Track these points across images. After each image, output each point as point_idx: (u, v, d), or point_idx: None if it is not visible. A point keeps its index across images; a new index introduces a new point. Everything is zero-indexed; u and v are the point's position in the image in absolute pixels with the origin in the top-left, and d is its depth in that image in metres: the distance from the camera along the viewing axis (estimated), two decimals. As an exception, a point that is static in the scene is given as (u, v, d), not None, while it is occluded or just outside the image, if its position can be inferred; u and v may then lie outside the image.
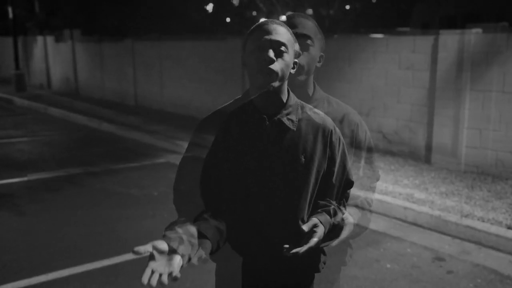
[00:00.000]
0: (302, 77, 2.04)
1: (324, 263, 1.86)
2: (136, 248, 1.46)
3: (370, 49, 8.30)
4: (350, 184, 1.88)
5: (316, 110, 1.85)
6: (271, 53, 1.67)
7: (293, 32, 1.81)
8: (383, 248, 4.88)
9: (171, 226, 1.62)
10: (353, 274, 4.30)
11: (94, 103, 14.97)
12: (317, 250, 1.79)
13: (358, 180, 2.02)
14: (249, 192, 1.73)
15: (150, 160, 8.44)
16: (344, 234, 1.83)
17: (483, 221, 5.21)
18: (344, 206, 1.86)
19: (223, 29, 17.92)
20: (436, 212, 5.43)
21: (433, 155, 7.55)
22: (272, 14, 14.87)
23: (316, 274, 1.86)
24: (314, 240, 1.62)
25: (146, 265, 1.47)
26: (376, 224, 5.49)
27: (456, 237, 5.12)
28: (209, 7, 17.52)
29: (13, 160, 8.44)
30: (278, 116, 1.74)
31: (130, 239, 4.96)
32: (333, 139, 1.80)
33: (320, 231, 1.66)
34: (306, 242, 1.62)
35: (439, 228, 5.30)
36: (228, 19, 19.12)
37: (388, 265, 4.50)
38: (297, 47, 1.78)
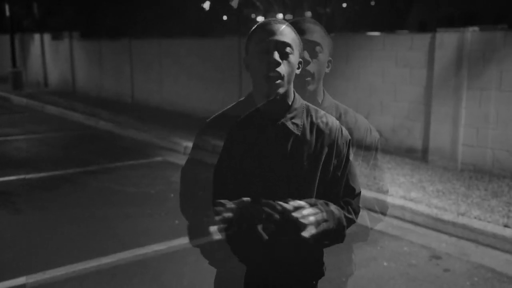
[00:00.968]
0: (312, 86, 2.00)
1: (325, 269, 1.84)
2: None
3: (368, 47, 8.30)
4: (353, 191, 1.81)
5: (322, 112, 1.79)
6: (276, 56, 1.61)
7: (301, 39, 1.76)
8: (380, 246, 4.88)
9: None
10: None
11: (91, 101, 14.95)
12: (315, 253, 1.77)
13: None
14: (253, 196, 1.66)
15: (147, 158, 8.43)
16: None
17: (480, 219, 5.21)
18: (350, 213, 1.78)
19: (221, 27, 17.90)
20: (433, 211, 5.44)
21: (430, 154, 7.56)
22: (269, 13, 14.88)
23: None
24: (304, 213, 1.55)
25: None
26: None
27: (453, 236, 5.13)
28: (206, 5, 17.50)
29: (10, 158, 8.42)
30: (282, 120, 1.69)
31: (127, 237, 4.96)
32: (339, 142, 1.74)
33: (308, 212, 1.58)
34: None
35: (436, 226, 5.30)
36: (225, 17, 19.10)
37: (385, 264, 4.51)
38: (306, 55, 1.74)
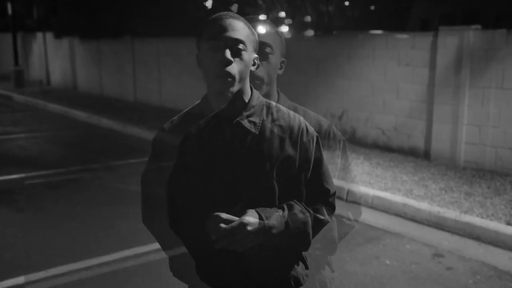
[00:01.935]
0: (263, 90, 1.86)
1: (307, 276, 1.70)
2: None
3: (370, 46, 8.29)
4: (326, 191, 1.68)
5: (285, 109, 1.67)
6: (227, 54, 1.52)
7: None
8: (382, 244, 4.88)
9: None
10: (353, 270, 4.31)
11: (93, 99, 14.96)
12: (292, 259, 1.66)
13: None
14: (214, 200, 1.57)
15: (150, 156, 8.41)
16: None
17: (482, 217, 5.21)
18: (323, 215, 1.65)
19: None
20: (436, 209, 5.43)
21: (432, 152, 7.55)
22: (271, 11, 14.86)
23: None
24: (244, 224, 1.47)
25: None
26: (375, 220, 5.49)
27: (455, 234, 5.12)
28: (208, 3, 17.49)
29: (13, 157, 8.43)
30: (238, 119, 1.58)
31: (129, 235, 4.96)
32: (304, 140, 1.62)
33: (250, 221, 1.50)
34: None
35: (439, 224, 5.30)
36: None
37: (388, 262, 4.50)
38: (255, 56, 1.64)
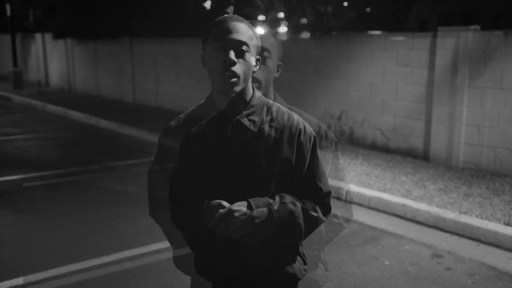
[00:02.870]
0: (260, 92, 1.90)
1: (305, 270, 1.76)
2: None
3: (368, 47, 8.29)
4: (319, 190, 1.73)
5: (284, 109, 1.74)
6: (232, 55, 1.60)
7: None
8: (381, 245, 4.88)
9: None
10: (352, 271, 4.31)
11: (92, 100, 14.95)
12: (289, 255, 1.70)
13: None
14: (213, 195, 1.63)
15: (149, 157, 8.40)
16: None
17: (481, 218, 5.21)
18: (316, 212, 1.70)
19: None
20: (435, 209, 5.44)
21: (431, 152, 7.56)
22: (270, 11, 14.87)
23: None
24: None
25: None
26: (374, 221, 5.50)
27: (454, 234, 5.13)
28: (207, 4, 17.50)
29: (11, 158, 8.43)
30: (238, 117, 1.66)
31: (128, 236, 4.96)
32: (302, 139, 1.69)
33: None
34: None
35: (438, 225, 5.30)
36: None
37: (387, 262, 4.50)
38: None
